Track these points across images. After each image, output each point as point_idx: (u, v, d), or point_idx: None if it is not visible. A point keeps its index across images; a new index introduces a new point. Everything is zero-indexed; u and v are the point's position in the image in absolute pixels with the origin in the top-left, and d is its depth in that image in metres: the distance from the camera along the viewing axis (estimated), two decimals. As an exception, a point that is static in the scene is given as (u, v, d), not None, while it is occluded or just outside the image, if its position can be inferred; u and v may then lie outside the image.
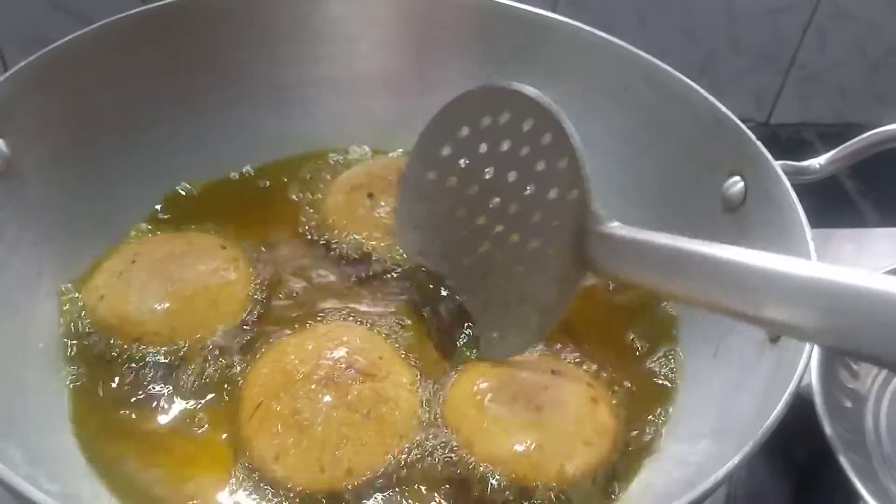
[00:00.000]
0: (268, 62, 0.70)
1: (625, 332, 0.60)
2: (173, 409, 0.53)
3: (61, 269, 0.58)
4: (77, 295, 0.57)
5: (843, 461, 0.54)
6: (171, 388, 0.53)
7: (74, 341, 0.55)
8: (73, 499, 0.46)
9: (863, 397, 0.62)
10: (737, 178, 0.57)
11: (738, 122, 0.57)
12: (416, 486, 0.49)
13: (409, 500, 0.49)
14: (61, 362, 0.54)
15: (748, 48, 0.97)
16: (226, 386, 0.54)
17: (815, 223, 0.50)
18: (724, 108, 0.58)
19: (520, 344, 0.54)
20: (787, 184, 0.52)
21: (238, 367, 0.54)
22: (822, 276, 0.36)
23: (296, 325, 0.57)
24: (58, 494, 0.40)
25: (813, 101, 1.03)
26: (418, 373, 0.55)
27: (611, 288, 0.62)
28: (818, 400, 0.55)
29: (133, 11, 0.61)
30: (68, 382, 0.53)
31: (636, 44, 0.64)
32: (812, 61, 0.99)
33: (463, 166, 0.56)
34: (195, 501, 0.48)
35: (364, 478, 0.49)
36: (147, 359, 0.54)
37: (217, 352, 0.55)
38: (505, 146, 0.53)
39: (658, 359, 0.59)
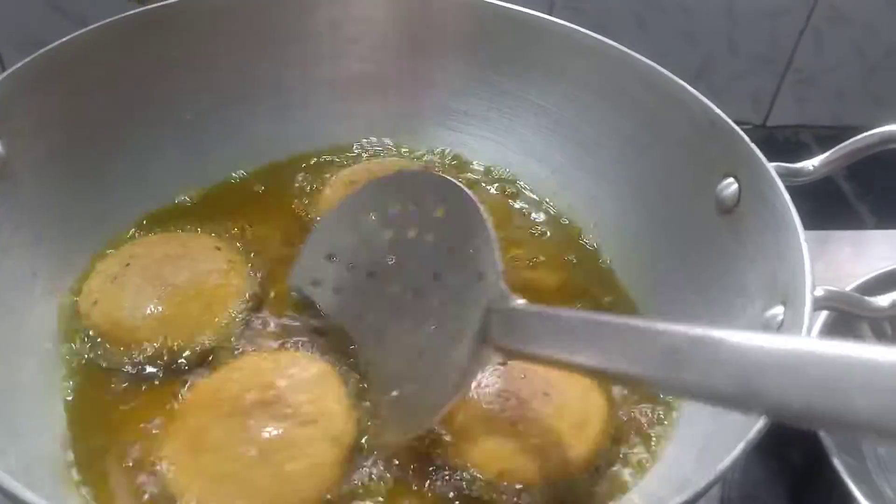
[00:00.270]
0: (265, 64, 0.70)
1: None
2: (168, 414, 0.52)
3: (56, 269, 0.58)
4: (75, 299, 0.57)
5: (837, 463, 0.55)
6: (165, 392, 0.53)
7: (69, 344, 0.55)
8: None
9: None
10: (731, 179, 0.57)
11: (733, 124, 0.57)
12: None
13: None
14: (56, 364, 0.54)
15: (746, 50, 0.97)
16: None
17: (811, 225, 0.50)
18: (718, 110, 0.58)
19: (416, 424, 0.50)
20: (781, 186, 0.52)
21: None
22: (743, 343, 0.32)
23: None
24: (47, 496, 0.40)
25: (810, 104, 1.03)
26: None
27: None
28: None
29: (130, 13, 0.61)
30: (62, 384, 0.53)
31: (634, 46, 0.64)
32: (809, 64, 0.99)
33: (375, 243, 0.55)
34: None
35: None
36: (141, 364, 0.54)
37: (210, 358, 0.55)
38: (420, 231, 0.52)
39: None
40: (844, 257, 0.85)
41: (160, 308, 0.55)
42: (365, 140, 0.74)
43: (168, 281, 0.56)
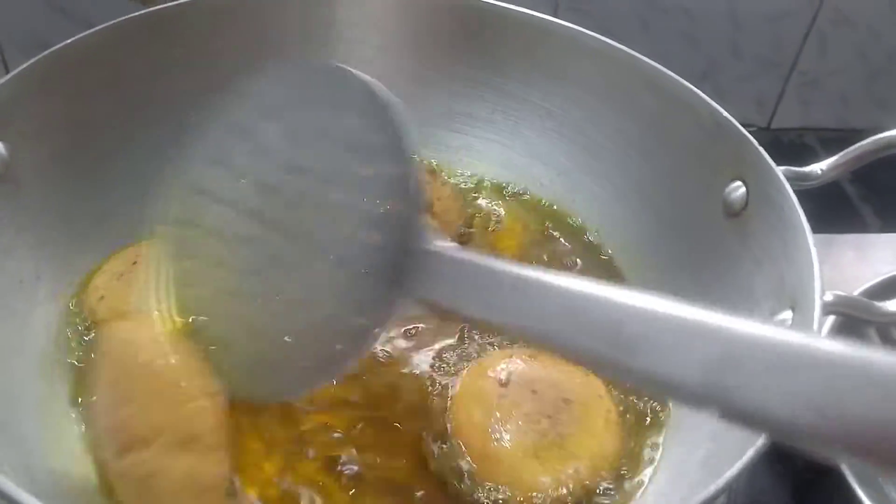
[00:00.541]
0: (269, 65, 0.69)
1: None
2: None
3: (60, 272, 0.57)
4: (80, 297, 0.57)
5: (844, 467, 0.54)
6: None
7: (73, 345, 0.55)
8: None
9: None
10: (738, 182, 0.57)
11: (740, 127, 0.57)
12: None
13: None
14: (59, 367, 0.54)
15: (750, 53, 0.97)
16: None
17: (816, 229, 0.50)
18: (725, 113, 0.58)
19: (315, 377, 0.45)
20: (790, 189, 0.52)
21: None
22: (712, 321, 0.27)
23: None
24: None
25: (814, 107, 1.03)
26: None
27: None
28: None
29: (134, 14, 0.61)
30: (67, 387, 0.53)
31: (638, 49, 0.64)
32: (813, 67, 0.99)
33: (270, 154, 0.47)
34: None
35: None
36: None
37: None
38: (318, 141, 0.44)
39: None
40: (848, 261, 0.85)
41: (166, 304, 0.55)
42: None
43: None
